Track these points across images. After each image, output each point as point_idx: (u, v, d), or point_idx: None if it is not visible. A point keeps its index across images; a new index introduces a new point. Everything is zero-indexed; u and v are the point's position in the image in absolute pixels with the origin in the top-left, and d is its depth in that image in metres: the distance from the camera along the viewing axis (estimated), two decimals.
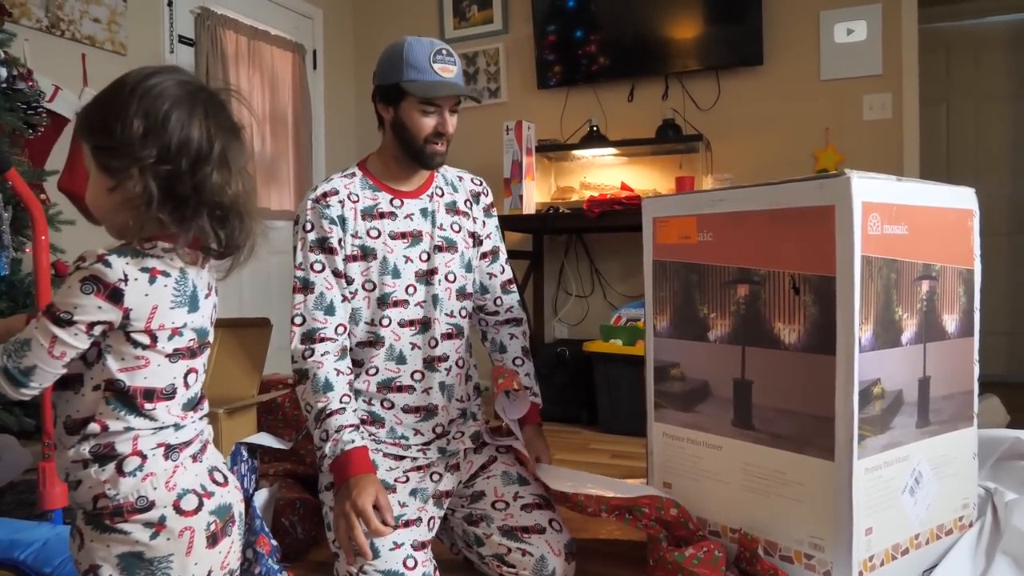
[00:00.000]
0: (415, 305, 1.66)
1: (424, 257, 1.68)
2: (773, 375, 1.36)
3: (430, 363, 1.67)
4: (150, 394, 0.94)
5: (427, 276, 1.67)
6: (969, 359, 1.52)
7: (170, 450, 0.96)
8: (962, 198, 1.49)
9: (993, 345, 3.98)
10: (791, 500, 1.33)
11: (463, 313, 1.73)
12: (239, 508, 1.03)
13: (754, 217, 1.38)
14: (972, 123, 4.16)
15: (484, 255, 1.82)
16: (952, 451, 1.46)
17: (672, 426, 1.55)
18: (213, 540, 0.97)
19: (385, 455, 1.62)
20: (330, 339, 1.58)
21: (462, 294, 1.73)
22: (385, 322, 1.64)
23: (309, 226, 1.62)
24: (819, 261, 1.27)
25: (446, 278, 1.70)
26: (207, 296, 1.00)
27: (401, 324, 1.65)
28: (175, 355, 0.96)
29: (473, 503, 1.65)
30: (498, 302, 1.83)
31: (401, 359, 1.66)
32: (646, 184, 3.64)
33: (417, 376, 1.67)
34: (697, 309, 1.49)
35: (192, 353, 0.98)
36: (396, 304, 1.64)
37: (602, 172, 3.77)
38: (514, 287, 1.86)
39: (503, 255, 1.86)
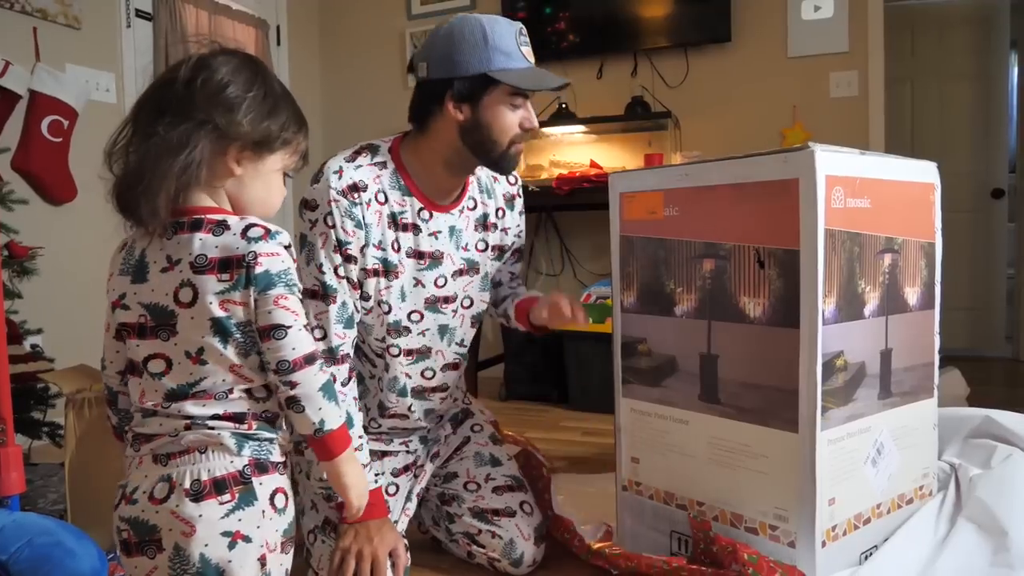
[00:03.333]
0: (418, 334, 1.49)
1: (440, 283, 1.49)
2: (739, 349, 1.37)
3: (421, 393, 1.56)
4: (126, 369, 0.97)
5: (438, 303, 1.49)
6: (930, 331, 1.54)
7: (135, 439, 0.91)
8: (924, 172, 1.50)
9: (954, 320, 4.06)
10: (756, 472, 1.34)
11: (467, 342, 1.60)
12: (176, 540, 0.86)
13: (719, 191, 1.37)
14: (936, 102, 4.21)
15: (513, 253, 1.68)
16: (913, 422, 1.48)
17: (640, 401, 1.55)
18: (126, 548, 0.89)
19: (371, 452, 1.51)
20: (346, 357, 1.39)
21: (476, 319, 1.59)
22: (394, 351, 1.48)
23: (331, 222, 1.34)
24: (783, 235, 1.27)
25: (462, 304, 1.53)
26: (165, 270, 0.89)
27: (397, 352, 1.49)
28: (121, 331, 0.92)
29: (446, 482, 1.65)
30: (502, 291, 1.72)
31: (403, 391, 1.53)
32: (615, 162, 3.63)
33: (412, 406, 1.57)
34: (664, 284, 1.48)
35: (142, 332, 0.90)
36: (400, 332, 1.47)
37: (571, 150, 3.75)
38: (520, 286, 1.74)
39: (519, 255, 1.73)
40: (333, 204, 1.34)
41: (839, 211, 1.26)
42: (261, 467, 0.88)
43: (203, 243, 0.88)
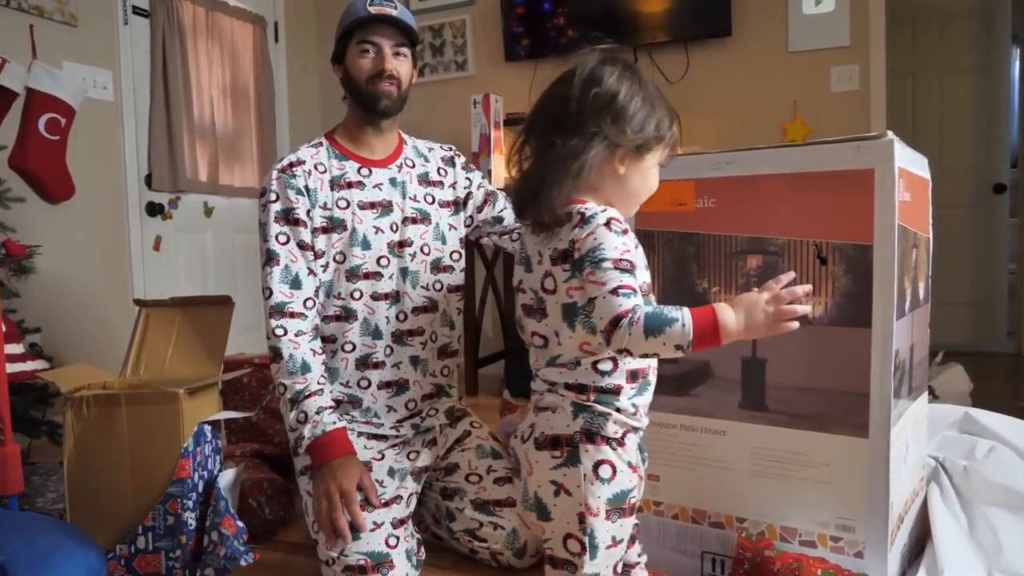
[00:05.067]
0: (388, 278, 1.63)
1: (395, 228, 1.64)
2: (792, 352, 1.27)
3: (399, 337, 1.65)
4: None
5: (398, 248, 1.64)
6: (926, 325, 1.51)
7: (531, 392, 1.08)
8: (924, 167, 1.48)
9: (956, 316, 4.05)
10: (814, 482, 1.26)
11: (438, 287, 1.70)
12: (524, 474, 1.05)
13: (772, 181, 1.27)
14: (937, 97, 4.20)
15: (481, 206, 1.80)
16: (921, 415, 1.47)
17: (660, 413, 1.40)
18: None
19: (360, 434, 1.60)
20: (300, 315, 1.54)
21: (437, 267, 1.69)
22: (356, 295, 1.60)
23: (274, 196, 1.58)
24: (853, 229, 1.19)
25: (421, 251, 1.67)
26: (539, 262, 1.03)
27: (375, 297, 1.62)
28: (521, 309, 1.08)
29: (447, 476, 1.64)
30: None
31: (377, 333, 1.63)
32: None
33: (388, 351, 1.64)
34: (694, 283, 1.37)
35: (530, 312, 1.06)
36: (367, 276, 1.61)
37: None
38: None
39: (501, 195, 1.83)
40: (275, 182, 1.58)
41: (901, 204, 1.20)
42: (590, 437, 0.98)
43: (556, 236, 1.00)
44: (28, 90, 2.67)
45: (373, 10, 1.58)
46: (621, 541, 1.00)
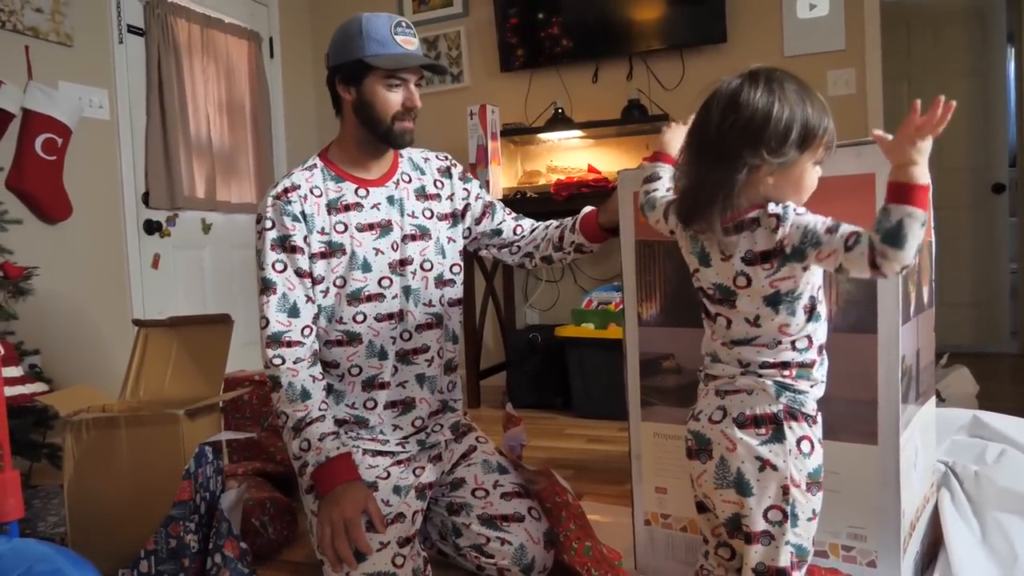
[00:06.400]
0: (391, 298, 1.61)
1: (395, 247, 1.62)
2: None
3: (404, 356, 1.63)
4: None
5: (399, 267, 1.62)
6: (932, 329, 1.50)
7: (706, 377, 1.15)
8: None
9: (958, 317, 4.04)
10: (823, 491, 1.26)
11: (444, 301, 1.68)
12: (722, 453, 1.07)
13: None
14: (933, 98, 4.19)
15: (479, 218, 1.77)
16: (929, 420, 1.45)
17: (666, 424, 1.40)
18: (688, 453, 1.14)
19: (365, 451, 1.58)
20: (298, 343, 1.52)
21: (441, 281, 1.68)
22: (359, 318, 1.58)
23: (270, 224, 1.54)
24: None
25: (421, 267, 1.65)
26: (723, 260, 1.09)
27: (378, 319, 1.60)
28: (698, 291, 1.15)
29: (453, 491, 1.62)
30: (518, 231, 1.79)
31: (382, 354, 1.61)
32: (613, 166, 3.61)
33: (393, 370, 1.63)
34: (698, 293, 1.36)
35: (711, 299, 1.13)
36: (370, 299, 1.59)
37: (568, 155, 3.73)
38: (526, 219, 1.82)
39: (500, 206, 1.80)
40: (271, 208, 1.54)
41: None
42: (792, 415, 1.05)
43: (747, 240, 1.05)
44: (24, 111, 2.66)
45: (400, 40, 1.52)
46: (818, 514, 1.07)
